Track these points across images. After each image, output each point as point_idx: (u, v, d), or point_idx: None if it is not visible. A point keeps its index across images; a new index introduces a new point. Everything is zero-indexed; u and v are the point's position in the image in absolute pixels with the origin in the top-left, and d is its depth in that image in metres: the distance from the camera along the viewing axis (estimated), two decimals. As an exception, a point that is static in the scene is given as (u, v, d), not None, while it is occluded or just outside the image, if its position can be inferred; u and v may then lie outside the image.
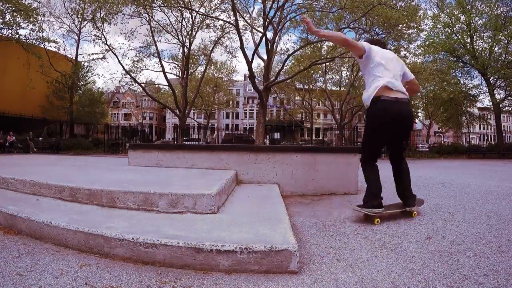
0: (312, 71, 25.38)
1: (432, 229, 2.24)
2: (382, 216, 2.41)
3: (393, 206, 2.64)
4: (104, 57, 22.25)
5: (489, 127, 48.29)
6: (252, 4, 19.18)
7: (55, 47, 20.97)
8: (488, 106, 25.34)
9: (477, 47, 19.84)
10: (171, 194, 2.14)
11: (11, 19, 16.38)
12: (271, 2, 15.80)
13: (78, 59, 24.24)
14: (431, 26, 20.12)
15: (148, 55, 21.64)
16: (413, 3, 14.94)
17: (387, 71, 2.35)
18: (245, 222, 1.95)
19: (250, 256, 1.47)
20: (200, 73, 25.18)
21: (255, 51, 16.77)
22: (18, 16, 16.60)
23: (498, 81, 20.69)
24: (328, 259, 1.66)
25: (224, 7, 18.21)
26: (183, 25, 21.03)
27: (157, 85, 29.49)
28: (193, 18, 20.28)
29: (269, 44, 16.89)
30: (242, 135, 32.13)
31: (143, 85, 22.29)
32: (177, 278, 1.39)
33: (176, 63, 23.91)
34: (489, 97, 20.88)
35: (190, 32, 20.96)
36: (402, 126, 2.39)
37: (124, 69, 20.32)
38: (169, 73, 22.77)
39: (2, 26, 16.63)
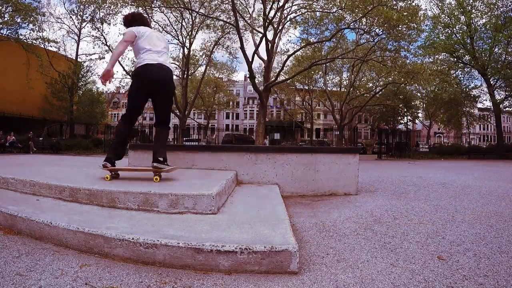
0: (312, 72, 25.35)
1: (432, 229, 2.24)
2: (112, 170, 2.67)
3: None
4: (102, 57, 22.24)
5: (489, 127, 48.42)
6: (252, 5, 19.22)
7: (55, 47, 21.00)
8: (489, 107, 25.35)
9: (477, 47, 19.84)
10: (171, 194, 2.14)
11: (9, 20, 16.37)
12: (271, 3, 15.79)
13: (78, 59, 24.27)
14: (432, 27, 20.14)
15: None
16: (413, 4, 14.92)
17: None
18: (245, 222, 1.95)
19: (250, 257, 1.47)
20: (200, 74, 25.16)
21: (255, 52, 16.75)
22: (18, 15, 16.61)
23: (498, 81, 20.70)
24: (328, 259, 1.66)
25: (224, 8, 18.21)
26: (183, 26, 21.05)
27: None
28: (193, 19, 20.28)
29: (269, 44, 16.88)
30: (242, 135, 32.18)
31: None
32: (177, 279, 1.39)
33: (176, 63, 23.92)
34: (490, 98, 20.90)
35: (190, 33, 20.96)
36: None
37: (124, 69, 20.36)
38: (169, 73, 22.70)
39: (1, 26, 16.64)
